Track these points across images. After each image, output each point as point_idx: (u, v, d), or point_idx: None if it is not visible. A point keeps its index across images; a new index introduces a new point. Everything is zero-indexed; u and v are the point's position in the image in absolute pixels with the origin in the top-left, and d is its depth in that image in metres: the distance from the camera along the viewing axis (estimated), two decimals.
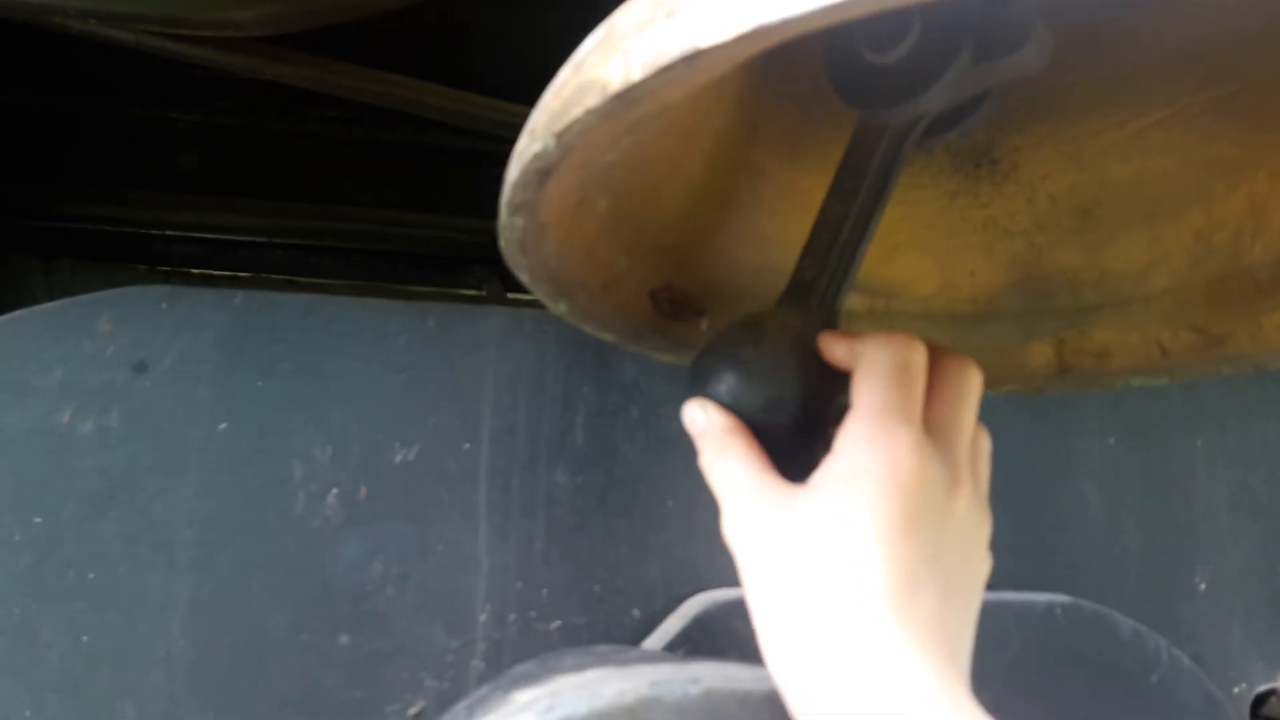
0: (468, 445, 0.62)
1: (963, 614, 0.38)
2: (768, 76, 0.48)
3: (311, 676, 0.58)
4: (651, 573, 0.63)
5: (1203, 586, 0.72)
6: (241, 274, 1.06)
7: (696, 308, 0.50)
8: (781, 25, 0.26)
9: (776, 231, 0.49)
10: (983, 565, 0.40)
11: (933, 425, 0.38)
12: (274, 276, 1.06)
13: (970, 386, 0.40)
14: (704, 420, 0.39)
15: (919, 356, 0.38)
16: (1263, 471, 0.75)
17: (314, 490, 0.60)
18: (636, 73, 0.28)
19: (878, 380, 0.37)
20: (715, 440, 0.39)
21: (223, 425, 0.60)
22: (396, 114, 0.94)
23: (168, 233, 1.05)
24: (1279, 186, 0.43)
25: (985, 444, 0.41)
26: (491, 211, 0.40)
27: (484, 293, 1.09)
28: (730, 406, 0.40)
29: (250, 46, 0.87)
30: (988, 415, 0.69)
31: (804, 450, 0.39)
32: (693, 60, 0.28)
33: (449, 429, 0.62)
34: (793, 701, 0.36)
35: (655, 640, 0.59)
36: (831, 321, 0.42)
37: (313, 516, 0.59)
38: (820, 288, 0.42)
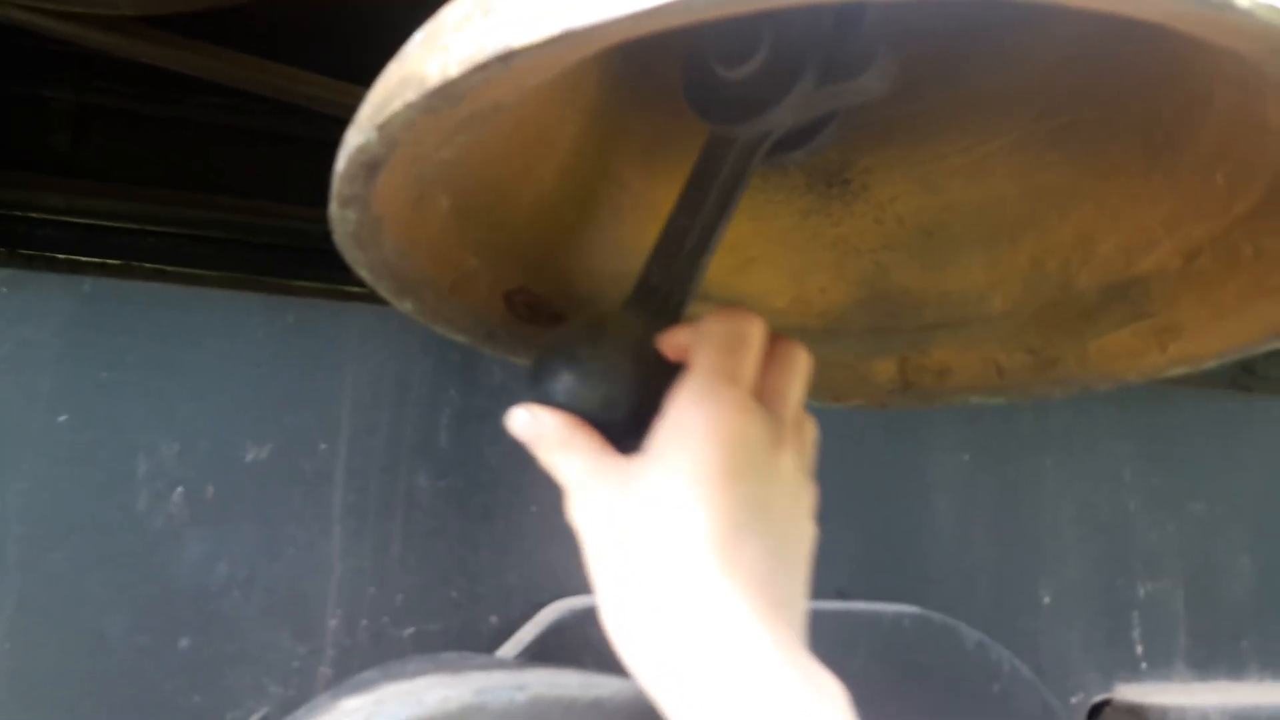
0: (324, 445, 0.61)
1: (794, 571, 0.39)
2: (628, 88, 0.48)
3: (148, 680, 0.56)
4: (511, 579, 0.63)
5: (1047, 600, 0.75)
6: (111, 261, 1.02)
7: (553, 312, 0.50)
8: (590, 30, 0.26)
9: (634, 240, 0.49)
10: (808, 530, 0.41)
11: (761, 392, 0.40)
12: (146, 265, 1.02)
13: (799, 363, 0.42)
14: (537, 425, 0.39)
15: (755, 329, 0.40)
16: (1105, 490, 0.78)
17: (158, 487, 0.57)
18: (453, 69, 0.28)
19: (710, 346, 0.39)
20: (556, 439, 0.40)
21: (63, 417, 0.57)
22: (283, 104, 0.92)
23: (32, 215, 1.00)
24: (1105, 218, 0.46)
25: (811, 429, 0.43)
26: None
27: (368, 290, 1.06)
28: (566, 405, 0.40)
29: (128, 27, 0.84)
30: (847, 429, 0.71)
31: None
32: (507, 60, 0.27)
33: (305, 428, 0.60)
34: (627, 658, 0.36)
35: (510, 648, 0.58)
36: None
37: (155, 514, 0.57)
38: (663, 295, 0.43)
